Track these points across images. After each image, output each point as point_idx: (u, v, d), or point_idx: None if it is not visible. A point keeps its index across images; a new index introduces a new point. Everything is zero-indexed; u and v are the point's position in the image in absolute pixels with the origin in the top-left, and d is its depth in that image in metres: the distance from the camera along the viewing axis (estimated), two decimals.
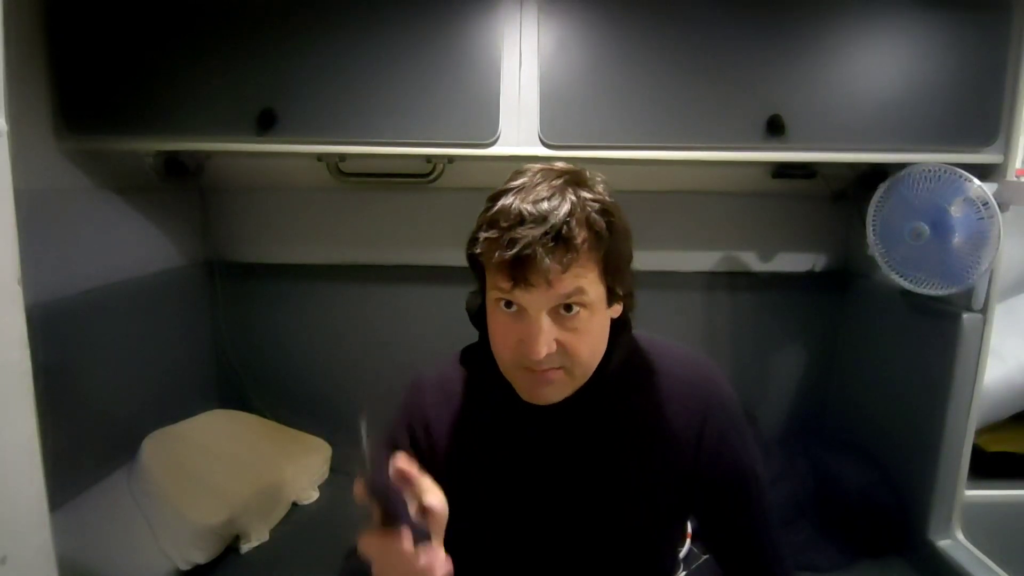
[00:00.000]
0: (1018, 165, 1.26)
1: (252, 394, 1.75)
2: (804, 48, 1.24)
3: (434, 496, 0.58)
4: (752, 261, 1.75)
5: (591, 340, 0.66)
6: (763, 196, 1.68)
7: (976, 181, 1.20)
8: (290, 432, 1.69)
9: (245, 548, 1.34)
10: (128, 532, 1.23)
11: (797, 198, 1.68)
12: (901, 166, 1.30)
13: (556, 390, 0.67)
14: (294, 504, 1.52)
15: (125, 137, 1.29)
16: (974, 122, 1.23)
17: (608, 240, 0.63)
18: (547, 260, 0.59)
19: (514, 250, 0.59)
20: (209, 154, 1.64)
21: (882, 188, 1.34)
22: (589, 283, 0.62)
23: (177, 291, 1.63)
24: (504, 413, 0.74)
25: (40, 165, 1.23)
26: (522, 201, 0.61)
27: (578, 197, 0.62)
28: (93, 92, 1.26)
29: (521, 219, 0.60)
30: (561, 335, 0.63)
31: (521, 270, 0.60)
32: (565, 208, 0.60)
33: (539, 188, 0.62)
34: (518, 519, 0.75)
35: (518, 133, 1.26)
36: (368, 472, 0.53)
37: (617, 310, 0.70)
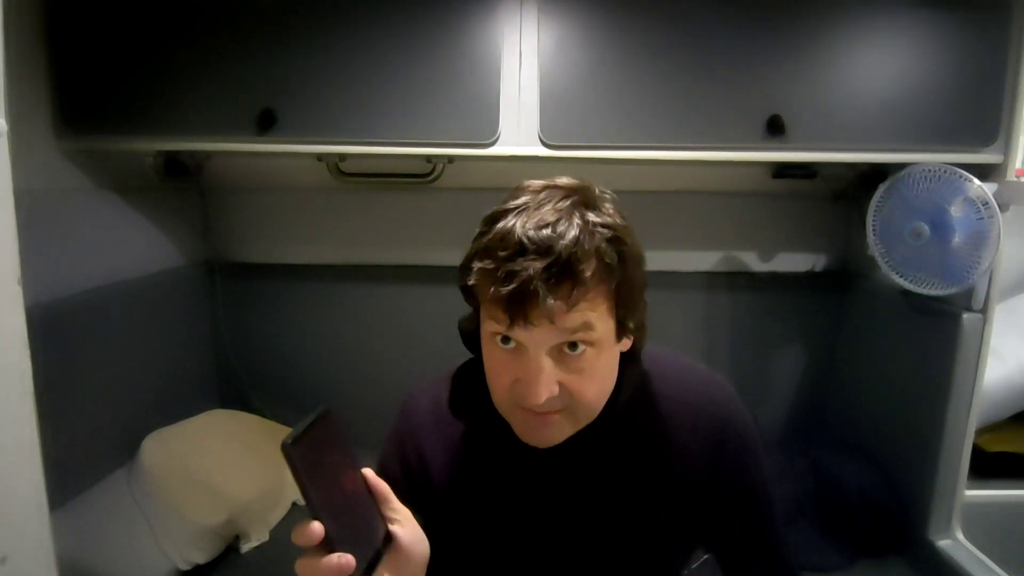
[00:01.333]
0: (1018, 165, 1.26)
1: (252, 394, 1.75)
2: (804, 48, 1.24)
3: (405, 529, 0.51)
4: (752, 261, 1.75)
5: (597, 381, 0.59)
6: (763, 196, 1.68)
7: (976, 181, 1.20)
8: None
9: (245, 548, 1.34)
10: (128, 532, 1.23)
11: (797, 198, 1.68)
12: (901, 166, 1.30)
13: (556, 433, 0.61)
14: (294, 504, 1.51)
15: (125, 137, 1.29)
16: (974, 122, 1.23)
17: (619, 271, 0.56)
18: (550, 299, 0.52)
19: (512, 285, 0.52)
20: (209, 154, 1.64)
21: (882, 188, 1.34)
22: (597, 319, 0.55)
23: (177, 291, 1.63)
24: (504, 441, 0.67)
25: (40, 165, 1.22)
26: (522, 226, 0.54)
27: (585, 222, 0.55)
28: (93, 92, 1.26)
29: (521, 248, 0.53)
30: (564, 376, 0.57)
31: (520, 307, 0.53)
32: (571, 235, 0.53)
33: (543, 210, 0.55)
34: (520, 550, 0.72)
35: (518, 133, 1.26)
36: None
37: (627, 344, 0.63)
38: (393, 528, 0.51)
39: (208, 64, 1.25)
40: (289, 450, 0.43)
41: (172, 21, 1.25)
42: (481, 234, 0.57)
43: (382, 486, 0.51)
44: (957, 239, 1.23)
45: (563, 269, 0.52)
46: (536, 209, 0.55)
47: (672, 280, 1.71)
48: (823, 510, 1.44)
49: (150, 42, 1.25)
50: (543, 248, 0.53)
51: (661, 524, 0.69)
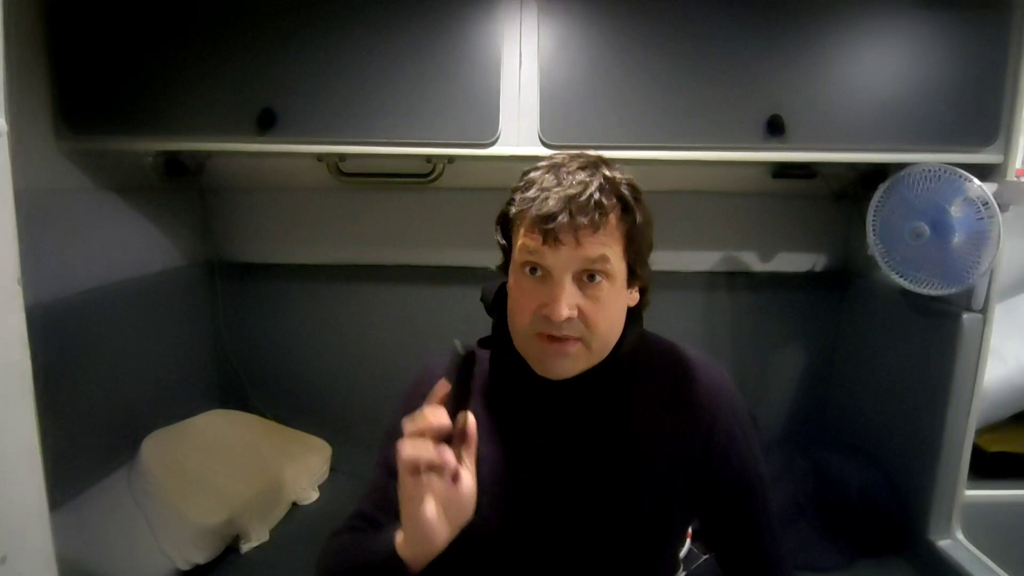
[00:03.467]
0: (1018, 165, 1.26)
1: (252, 394, 1.75)
2: (804, 48, 1.24)
3: (469, 477, 0.59)
4: (752, 261, 1.75)
5: (610, 313, 0.68)
6: (763, 196, 1.68)
7: (976, 181, 1.20)
8: (290, 432, 1.69)
9: (245, 548, 1.34)
10: (128, 532, 1.23)
11: (797, 198, 1.68)
12: (901, 166, 1.30)
13: (572, 362, 0.68)
14: (294, 504, 1.52)
15: (125, 137, 1.29)
16: (974, 122, 1.23)
17: (634, 215, 0.68)
18: (579, 218, 0.63)
19: (548, 207, 0.63)
20: (209, 154, 1.64)
21: (882, 188, 1.34)
22: (613, 255, 0.66)
23: (177, 291, 1.63)
24: (512, 397, 0.75)
25: (40, 165, 1.23)
26: (556, 172, 0.66)
27: (607, 175, 0.67)
28: (93, 92, 1.26)
29: (558, 183, 0.65)
30: (583, 302, 0.66)
31: (552, 226, 0.63)
32: (597, 181, 0.65)
33: (571, 164, 0.67)
34: (521, 506, 0.75)
35: (518, 133, 1.26)
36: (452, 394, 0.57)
37: (634, 297, 0.73)
38: (461, 470, 0.59)
39: (208, 64, 1.25)
40: (461, 356, 0.57)
41: (172, 21, 1.25)
42: (521, 181, 0.69)
43: (473, 435, 0.60)
44: (957, 239, 1.23)
45: (590, 199, 0.64)
46: (565, 164, 0.68)
47: (672, 280, 1.71)
48: (823, 510, 1.44)
49: (150, 42, 1.25)
50: (575, 184, 0.65)
51: (654, 484, 0.73)
